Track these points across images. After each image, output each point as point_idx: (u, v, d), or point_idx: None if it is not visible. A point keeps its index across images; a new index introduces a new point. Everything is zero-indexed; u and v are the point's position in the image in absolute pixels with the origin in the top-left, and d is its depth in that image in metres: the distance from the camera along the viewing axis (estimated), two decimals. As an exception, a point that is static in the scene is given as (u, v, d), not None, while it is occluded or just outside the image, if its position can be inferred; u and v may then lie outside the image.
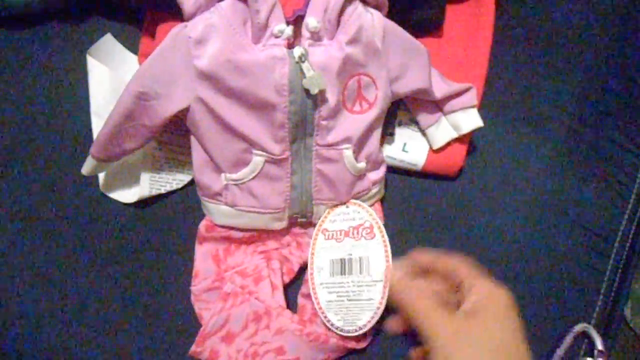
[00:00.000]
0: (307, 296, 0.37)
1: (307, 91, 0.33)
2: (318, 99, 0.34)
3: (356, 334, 0.34)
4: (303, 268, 0.39)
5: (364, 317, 0.34)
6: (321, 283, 0.36)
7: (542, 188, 0.40)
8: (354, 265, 0.36)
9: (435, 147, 0.41)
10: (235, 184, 0.36)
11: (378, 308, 0.34)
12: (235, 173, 0.36)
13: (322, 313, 0.35)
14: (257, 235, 0.40)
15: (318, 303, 0.36)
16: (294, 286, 0.41)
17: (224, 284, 0.38)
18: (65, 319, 0.38)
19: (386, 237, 0.36)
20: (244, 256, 0.40)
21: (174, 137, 0.41)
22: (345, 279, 0.35)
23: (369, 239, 0.36)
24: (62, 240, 0.39)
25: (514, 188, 0.41)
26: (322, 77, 0.32)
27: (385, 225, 0.38)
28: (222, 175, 0.36)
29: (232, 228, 0.39)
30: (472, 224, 0.40)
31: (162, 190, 0.42)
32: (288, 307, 0.39)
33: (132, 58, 0.41)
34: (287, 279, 0.40)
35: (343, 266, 0.36)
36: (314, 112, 0.34)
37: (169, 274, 0.41)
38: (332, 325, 0.35)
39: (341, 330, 0.34)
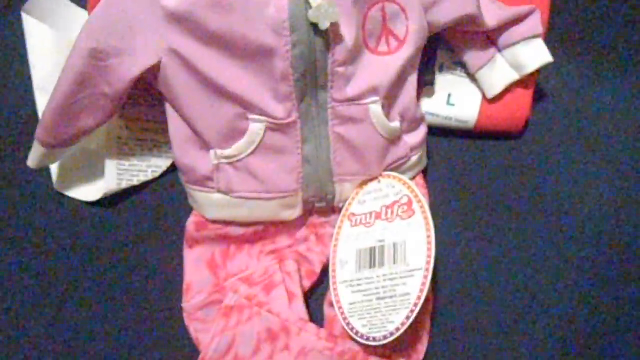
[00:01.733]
0: (333, 306, 0.37)
1: (315, 27, 0.31)
2: (330, 38, 0.32)
3: (384, 341, 0.33)
4: (327, 268, 0.39)
5: (397, 319, 0.33)
6: (344, 281, 0.36)
7: (633, 144, 0.39)
8: (387, 254, 0.35)
9: (490, 95, 0.40)
10: (230, 163, 0.35)
11: (416, 305, 0.33)
12: (227, 148, 0.35)
13: (344, 319, 0.35)
14: (263, 231, 0.39)
15: (340, 307, 0.35)
16: (318, 293, 0.40)
17: (225, 295, 0.37)
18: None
19: (428, 213, 0.35)
20: (249, 259, 0.39)
21: (143, 110, 0.41)
22: (374, 272, 0.35)
23: (406, 217, 0.35)
24: (8, 248, 0.39)
25: (596, 146, 0.40)
26: (334, 5, 0.30)
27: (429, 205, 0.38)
28: (211, 152, 0.35)
29: (229, 223, 0.38)
30: (540, 199, 0.40)
31: (135, 182, 0.41)
32: (312, 320, 0.38)
33: (81, 13, 0.39)
34: (307, 284, 0.40)
35: (373, 256, 0.36)
36: (327, 55, 0.32)
37: (152, 291, 0.40)
38: (355, 333, 0.34)
39: (366, 339, 0.33)
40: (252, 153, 0.35)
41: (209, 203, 0.37)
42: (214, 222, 0.38)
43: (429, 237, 0.35)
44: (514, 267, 0.40)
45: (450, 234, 0.42)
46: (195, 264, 0.39)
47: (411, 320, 0.33)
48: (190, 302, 0.38)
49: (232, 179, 0.36)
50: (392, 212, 0.37)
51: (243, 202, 0.37)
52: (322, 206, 0.39)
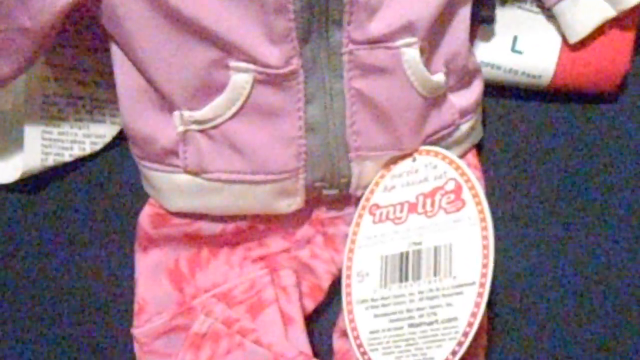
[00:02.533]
0: (346, 336, 0.37)
1: None
2: None
3: None
4: (339, 281, 0.39)
5: (438, 355, 0.33)
6: (363, 300, 0.37)
7: None
8: (424, 263, 0.36)
9: (573, 39, 0.40)
10: (202, 131, 0.35)
11: (466, 335, 0.33)
12: (199, 108, 0.35)
13: (363, 354, 0.35)
14: (249, 229, 0.40)
15: (356, 336, 0.36)
16: (326, 316, 0.41)
17: (193, 319, 0.38)
18: None
19: (485, 205, 0.35)
20: (228, 268, 0.40)
21: (79, 56, 0.40)
22: (406, 288, 0.36)
23: (453, 211, 0.36)
24: None
25: None
26: None
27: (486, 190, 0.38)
28: (176, 115, 0.35)
29: (201, 217, 0.38)
30: (636, 189, 0.40)
31: (66, 157, 0.42)
32: (316, 354, 0.39)
33: None
34: (311, 304, 0.40)
35: (404, 266, 0.36)
36: None
37: (88, 311, 0.41)
38: None
39: None
40: (234, 116, 0.35)
41: (171, 188, 0.37)
42: (179, 215, 0.38)
43: (485, 238, 0.34)
44: (601, 284, 0.40)
45: (513, 234, 0.42)
46: (152, 274, 0.39)
47: (459, 356, 0.33)
48: (143, 327, 0.39)
49: (205, 153, 0.36)
50: (433, 203, 0.36)
51: (220, 186, 0.37)
52: (332, 194, 0.39)
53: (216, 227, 0.39)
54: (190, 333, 0.38)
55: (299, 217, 0.40)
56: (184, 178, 0.37)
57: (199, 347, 0.37)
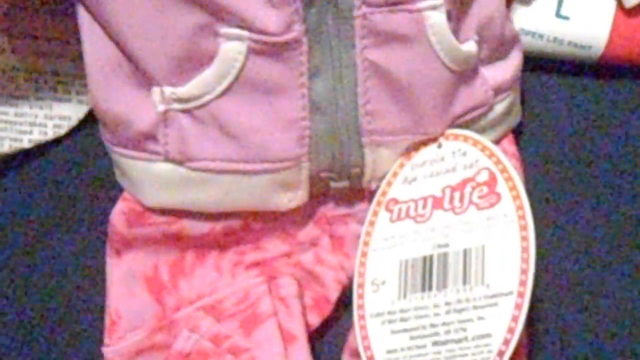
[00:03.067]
0: (358, 356, 0.37)
1: None
2: None
3: None
4: (349, 292, 0.39)
5: None
6: (378, 313, 0.37)
7: None
8: (451, 268, 0.36)
9: (630, 3, 0.40)
10: (186, 110, 0.36)
11: (501, 354, 0.33)
12: (183, 84, 0.35)
13: None
14: (241, 229, 0.40)
15: (370, 357, 0.36)
16: (334, 333, 0.41)
17: (175, 335, 0.39)
18: None
19: (525, 200, 0.35)
20: (217, 275, 0.41)
21: (41, 22, 0.41)
22: (430, 299, 0.36)
23: (486, 206, 0.36)
24: None
25: None
26: None
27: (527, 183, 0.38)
28: (156, 92, 0.36)
29: (184, 215, 0.39)
30: None
31: (25, 143, 0.42)
32: None
33: None
34: (316, 319, 0.41)
35: (427, 272, 0.37)
36: None
37: (54, 325, 0.41)
38: None
39: None
40: (224, 94, 0.35)
41: (149, 179, 0.38)
42: (159, 212, 0.39)
43: (525, 239, 0.34)
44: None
45: (557, 236, 0.42)
46: (126, 282, 0.40)
47: None
48: (116, 345, 0.39)
49: (190, 137, 0.36)
50: (462, 198, 0.37)
51: (208, 177, 0.37)
52: (342, 187, 0.39)
53: (203, 227, 0.39)
54: (172, 352, 0.38)
55: (302, 215, 0.41)
56: (164, 167, 0.37)
57: None
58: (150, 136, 0.37)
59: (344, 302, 0.41)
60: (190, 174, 0.37)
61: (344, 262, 0.41)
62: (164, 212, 0.39)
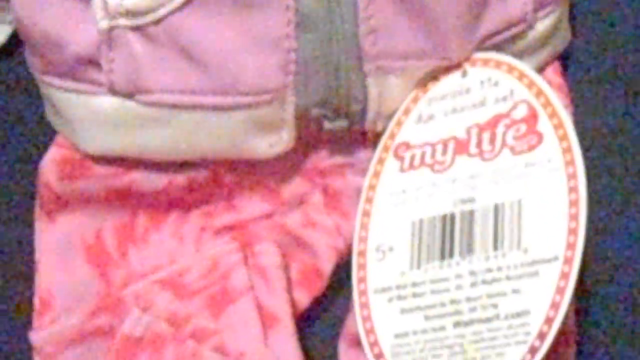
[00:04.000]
0: (359, 344, 0.38)
1: None
2: None
3: None
4: (348, 262, 0.39)
5: None
6: (384, 288, 0.38)
7: None
8: (478, 229, 0.36)
9: None
10: (137, 27, 0.36)
11: (543, 336, 0.33)
12: None
13: None
14: (209, 183, 0.41)
15: (373, 342, 0.37)
16: (327, 315, 0.42)
17: (122, 317, 0.39)
18: None
19: (574, 144, 0.35)
20: (176, 243, 0.41)
21: None
22: (450, 269, 0.36)
23: (525, 150, 0.36)
24: None
25: None
26: None
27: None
28: (97, 3, 0.36)
29: (135, 165, 0.40)
30: None
31: None
32: None
33: None
34: (304, 297, 0.41)
35: (447, 235, 0.37)
36: None
37: None
38: None
39: None
40: (187, 5, 0.36)
41: (89, 118, 0.38)
42: (102, 161, 0.39)
43: (573, 191, 0.35)
44: None
45: (612, 187, 0.43)
46: (61, 252, 0.40)
47: None
48: (47, 329, 0.39)
49: (142, 62, 0.37)
50: (493, 139, 0.37)
51: (165, 114, 0.38)
52: (338, 128, 0.39)
53: (159, 181, 0.40)
54: (118, 338, 0.39)
55: (287, 165, 0.41)
56: (108, 102, 0.38)
57: (131, 358, 0.38)
58: (90, 61, 0.37)
59: (341, 275, 0.41)
60: (142, 111, 0.38)
61: (341, 224, 0.41)
62: (108, 161, 0.39)
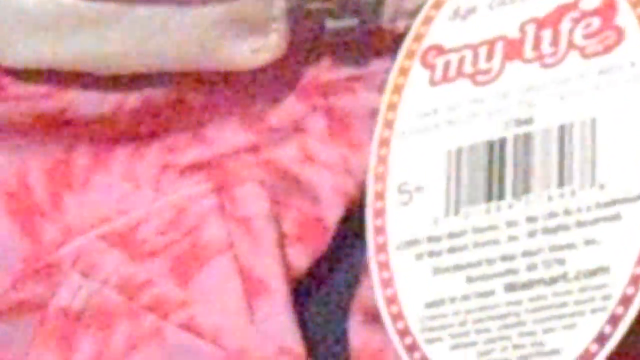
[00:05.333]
0: (377, 319, 0.39)
1: None
2: None
3: None
4: (360, 209, 0.40)
5: (567, 344, 0.35)
6: (410, 242, 0.38)
7: None
8: (538, 159, 0.37)
9: None
10: None
11: (627, 300, 0.34)
12: None
13: (411, 349, 0.37)
14: (172, 105, 0.42)
15: (397, 314, 0.38)
16: (334, 282, 0.43)
17: (55, 285, 0.40)
18: None
19: None
20: (130, 186, 0.42)
21: None
22: (499, 213, 0.37)
23: (599, 52, 0.37)
24: None
25: None
26: None
27: None
28: None
29: (72, 81, 0.41)
30: None
31: None
32: (318, 353, 0.41)
33: None
34: (303, 258, 0.42)
35: (495, 168, 0.37)
36: None
37: None
38: None
39: None
40: None
41: (12, 17, 0.39)
42: (26, 76, 0.40)
43: None
44: None
45: None
46: None
47: (612, 344, 0.33)
48: None
49: None
50: (557, 39, 0.37)
51: (113, 10, 0.38)
52: (344, 26, 0.40)
53: (103, 103, 0.41)
54: (50, 312, 0.39)
55: (276, 80, 0.42)
56: None
57: (67, 339, 0.39)
58: None
59: (351, 225, 0.42)
60: (83, 5, 0.38)
61: (350, 157, 0.42)
62: (34, 77, 0.40)
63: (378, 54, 0.42)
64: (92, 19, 0.38)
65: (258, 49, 0.39)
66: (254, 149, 0.42)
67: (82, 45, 0.39)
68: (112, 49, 0.39)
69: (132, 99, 0.41)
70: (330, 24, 0.40)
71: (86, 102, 0.40)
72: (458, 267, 0.37)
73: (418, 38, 0.40)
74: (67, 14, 0.38)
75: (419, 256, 0.38)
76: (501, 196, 0.37)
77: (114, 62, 0.39)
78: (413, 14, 0.40)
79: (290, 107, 0.42)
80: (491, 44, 0.38)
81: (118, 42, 0.39)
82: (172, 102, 0.41)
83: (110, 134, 0.42)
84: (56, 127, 0.41)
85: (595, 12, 0.37)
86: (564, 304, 0.34)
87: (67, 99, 0.40)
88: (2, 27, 0.39)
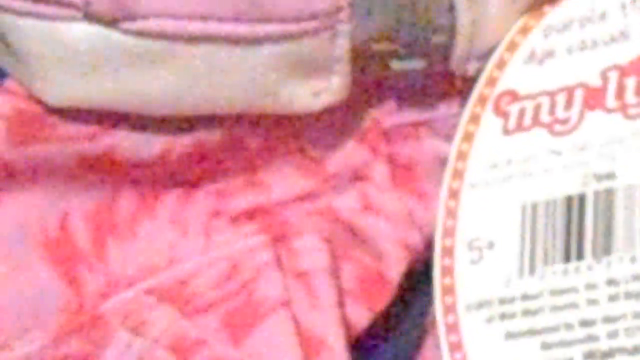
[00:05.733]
0: None
1: None
2: None
3: None
4: (427, 264, 0.40)
5: None
6: (480, 303, 0.38)
7: None
8: (620, 217, 0.36)
9: None
10: None
11: None
12: None
13: None
14: (224, 149, 0.42)
15: None
16: (397, 340, 0.43)
17: (103, 340, 0.40)
18: None
19: None
20: (178, 235, 0.43)
21: None
22: (578, 275, 0.36)
23: None
24: None
25: None
26: None
27: None
28: None
29: (119, 123, 0.41)
30: None
31: None
32: None
33: None
34: (364, 314, 0.42)
35: (574, 226, 0.37)
36: None
37: None
38: None
39: None
40: None
41: (56, 54, 0.39)
42: (70, 116, 0.40)
43: None
44: None
45: None
46: (7, 245, 0.41)
47: None
48: None
49: None
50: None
51: (164, 49, 0.38)
52: (411, 68, 0.40)
53: (152, 145, 0.41)
54: None
55: (337, 124, 0.42)
56: (82, 31, 0.38)
57: None
58: None
59: (416, 283, 0.42)
60: (131, 44, 0.38)
61: (416, 209, 0.42)
62: (80, 117, 0.40)
63: (446, 98, 0.42)
64: (143, 57, 0.38)
65: (319, 92, 0.39)
66: (311, 196, 0.43)
67: (130, 85, 0.39)
68: (162, 89, 0.39)
69: (183, 141, 0.41)
70: (396, 65, 0.40)
71: (133, 144, 0.41)
72: (532, 332, 0.36)
73: (490, 83, 0.40)
74: (116, 51, 0.38)
75: (490, 319, 0.37)
76: (580, 256, 0.36)
77: (165, 103, 0.40)
78: (485, 56, 0.40)
79: (351, 152, 0.42)
80: (570, 91, 0.38)
81: (170, 82, 0.39)
82: (225, 144, 0.41)
83: (157, 177, 0.42)
84: (101, 169, 0.41)
85: (690, 60, 0.37)
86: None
87: (114, 141, 0.41)
88: (46, 64, 0.39)
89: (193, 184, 0.42)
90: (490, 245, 0.38)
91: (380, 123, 0.42)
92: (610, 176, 0.37)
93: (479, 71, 0.40)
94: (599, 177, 0.37)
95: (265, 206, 0.42)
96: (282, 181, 0.43)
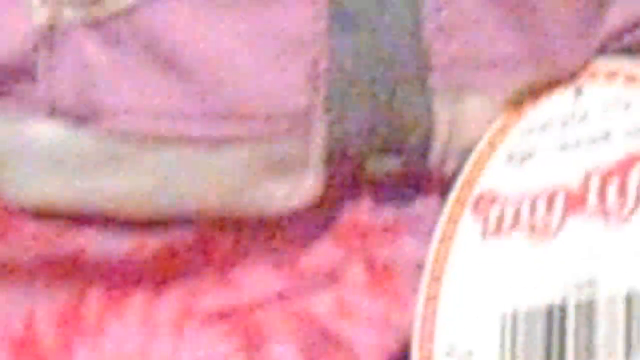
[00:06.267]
0: None
1: None
2: None
3: None
4: None
5: None
6: None
7: None
8: (602, 329, 0.36)
9: None
10: (92, 22, 0.37)
11: None
12: None
13: None
14: (196, 249, 0.42)
15: None
16: None
17: None
18: None
19: None
20: (147, 338, 0.42)
21: None
22: None
23: None
24: None
25: None
26: None
27: None
28: None
29: (86, 222, 0.40)
30: None
31: None
32: None
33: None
34: None
35: (555, 336, 0.37)
36: None
37: None
38: None
39: None
40: None
41: (22, 154, 0.39)
42: (38, 217, 0.40)
43: None
44: None
45: None
46: None
47: None
48: None
49: (100, 71, 0.38)
50: (624, 192, 0.37)
51: (133, 150, 0.38)
52: (387, 168, 0.40)
53: (121, 245, 0.41)
54: None
55: (311, 224, 0.42)
56: (48, 131, 0.38)
57: None
58: (21, 71, 0.37)
59: None
60: (99, 144, 0.38)
61: (393, 312, 0.41)
62: (48, 217, 0.40)
63: (424, 196, 0.42)
64: (111, 158, 0.38)
65: (292, 192, 0.40)
66: (285, 297, 0.42)
67: (100, 187, 0.39)
68: (132, 191, 0.39)
69: (154, 241, 0.41)
70: (372, 165, 0.40)
71: (102, 243, 0.40)
72: None
73: (469, 183, 0.40)
74: (84, 151, 0.38)
75: None
76: (560, 370, 0.37)
77: (134, 205, 0.40)
78: (463, 155, 0.40)
79: (325, 252, 0.42)
80: (551, 195, 0.38)
81: (139, 184, 0.39)
82: (196, 243, 0.41)
83: (127, 276, 0.42)
84: (68, 269, 0.41)
85: None
86: None
87: (82, 241, 0.40)
88: (14, 163, 0.39)
89: (163, 283, 0.42)
90: (469, 354, 0.38)
91: (356, 221, 0.42)
92: (591, 283, 0.37)
93: (457, 170, 0.40)
94: (579, 286, 0.37)
95: (237, 306, 0.42)
96: (255, 281, 0.42)
